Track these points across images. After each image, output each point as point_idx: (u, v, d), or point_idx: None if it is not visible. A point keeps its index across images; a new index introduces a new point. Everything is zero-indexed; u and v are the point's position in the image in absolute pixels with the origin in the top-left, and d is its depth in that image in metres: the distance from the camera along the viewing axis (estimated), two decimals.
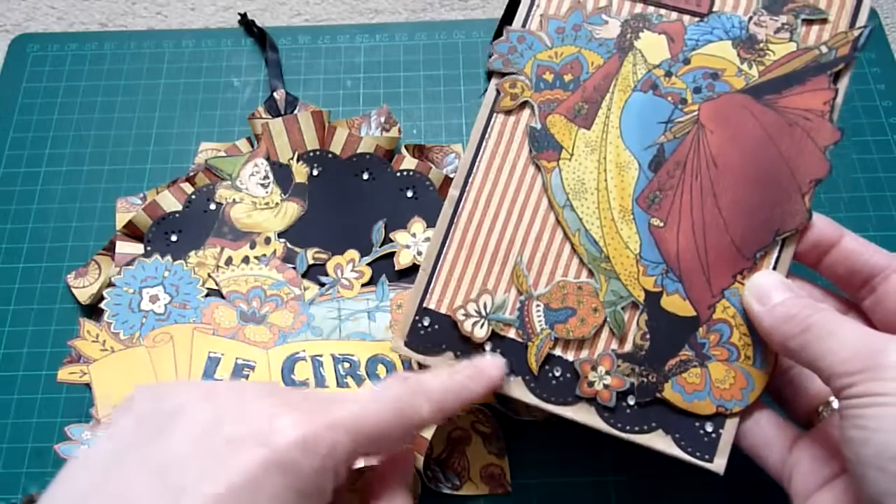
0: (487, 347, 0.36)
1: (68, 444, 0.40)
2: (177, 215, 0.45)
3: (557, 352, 0.35)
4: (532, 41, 0.38)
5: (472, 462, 0.41)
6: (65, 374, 0.42)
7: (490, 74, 0.39)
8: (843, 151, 0.50)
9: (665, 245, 0.35)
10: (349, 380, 0.40)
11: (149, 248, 0.44)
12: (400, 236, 0.45)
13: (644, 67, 0.37)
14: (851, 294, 0.34)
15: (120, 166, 0.51)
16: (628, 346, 0.35)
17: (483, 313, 0.36)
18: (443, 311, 0.37)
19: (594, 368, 0.35)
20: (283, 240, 0.45)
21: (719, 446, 0.34)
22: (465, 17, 0.59)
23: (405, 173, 0.46)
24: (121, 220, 0.47)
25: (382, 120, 0.50)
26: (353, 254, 0.45)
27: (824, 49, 0.35)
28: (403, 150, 0.48)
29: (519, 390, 0.36)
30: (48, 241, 0.49)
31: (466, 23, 0.57)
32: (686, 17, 0.37)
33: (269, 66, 0.54)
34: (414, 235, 0.45)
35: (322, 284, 0.44)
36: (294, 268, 0.44)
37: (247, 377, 0.40)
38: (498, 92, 0.38)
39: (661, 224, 0.35)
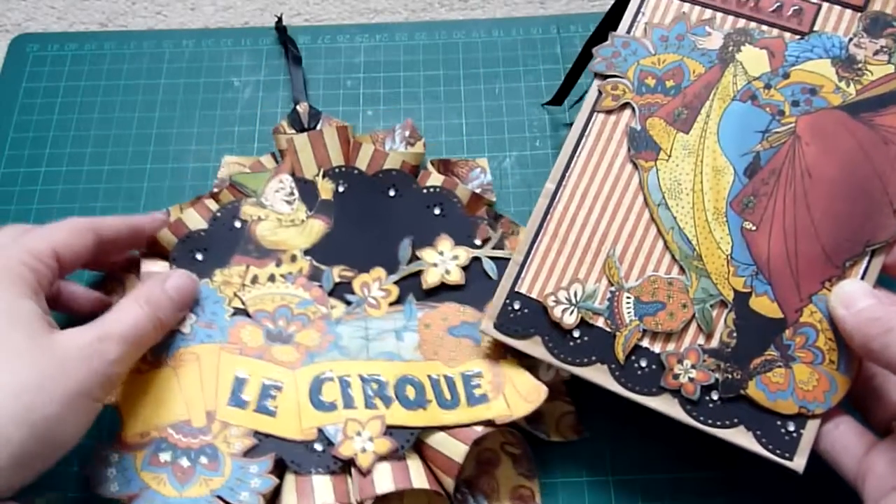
0: (576, 334, 0.37)
1: (94, 465, 0.38)
2: (202, 233, 0.44)
3: (644, 343, 0.37)
4: (636, 47, 0.39)
5: (502, 484, 0.40)
6: None
7: (570, 77, 0.40)
8: None
9: (756, 248, 0.36)
10: (377, 401, 0.40)
11: (174, 267, 0.43)
12: (427, 254, 0.43)
13: (744, 79, 0.38)
14: None
15: (120, 166, 0.51)
16: (715, 343, 0.36)
17: (573, 301, 0.37)
18: (534, 296, 0.38)
19: (680, 361, 0.36)
20: (308, 257, 0.44)
21: (800, 446, 0.35)
22: (465, 17, 0.58)
23: (432, 190, 0.45)
24: None
25: (407, 134, 0.49)
26: (379, 272, 0.43)
27: None
28: (429, 166, 0.47)
29: (604, 378, 0.37)
30: None
31: (466, 23, 0.57)
32: (787, 35, 0.39)
33: (292, 78, 0.53)
34: (441, 253, 0.43)
35: (349, 303, 0.43)
36: (320, 286, 0.43)
37: (274, 398, 0.40)
38: (600, 93, 0.39)
39: (754, 228, 0.36)
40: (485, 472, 0.41)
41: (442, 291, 0.43)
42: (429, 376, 0.40)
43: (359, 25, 0.57)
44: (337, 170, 0.46)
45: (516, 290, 0.38)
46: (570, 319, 0.37)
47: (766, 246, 0.36)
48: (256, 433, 0.39)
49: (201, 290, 0.42)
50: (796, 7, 0.39)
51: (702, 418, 0.36)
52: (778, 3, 0.39)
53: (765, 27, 0.39)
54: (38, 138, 0.52)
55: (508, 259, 0.40)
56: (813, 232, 0.36)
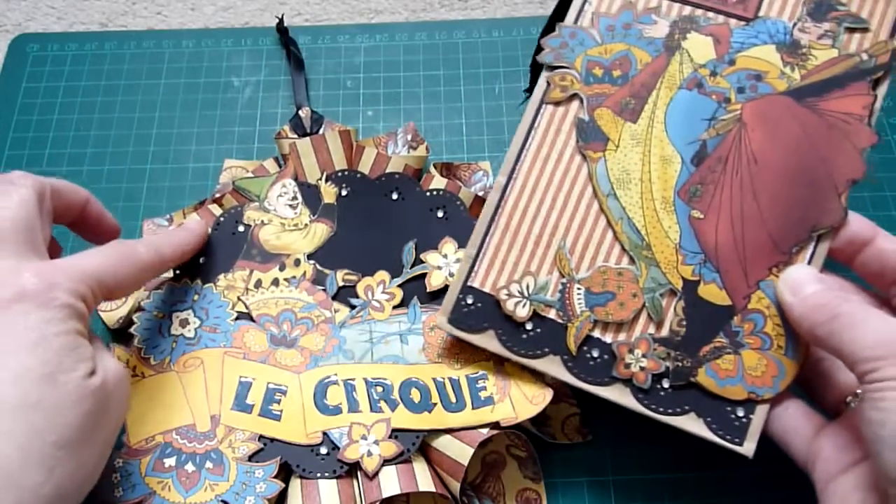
0: (529, 326, 0.37)
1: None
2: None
3: (596, 334, 0.37)
4: (583, 37, 0.39)
5: (508, 486, 0.40)
6: None
7: (535, 68, 0.41)
8: None
9: (704, 236, 0.37)
10: (382, 404, 0.40)
11: (178, 272, 0.43)
12: (431, 257, 0.44)
13: (690, 66, 0.38)
14: (883, 291, 0.36)
15: (120, 166, 0.51)
16: (665, 332, 0.36)
17: (525, 294, 0.38)
18: (486, 289, 0.38)
19: (631, 351, 0.36)
20: (312, 261, 0.44)
21: (749, 431, 0.35)
22: (465, 17, 0.58)
23: (435, 193, 0.45)
24: None
25: (409, 137, 0.49)
26: (383, 275, 0.44)
27: (865, 56, 0.37)
28: (432, 169, 0.47)
29: (556, 369, 0.37)
30: None
31: (466, 23, 0.57)
32: (732, 21, 0.39)
33: (294, 82, 0.53)
34: (445, 256, 0.43)
35: (353, 307, 0.43)
36: (324, 290, 0.43)
37: (279, 402, 0.40)
38: (548, 84, 0.39)
39: (701, 216, 0.37)
40: (490, 474, 0.41)
41: (446, 294, 0.42)
42: (434, 379, 0.40)
43: (359, 25, 0.57)
44: (340, 174, 0.46)
45: (469, 284, 0.38)
46: (522, 312, 0.37)
47: (714, 234, 0.36)
48: (261, 437, 0.39)
49: (205, 294, 0.43)
50: None
51: (653, 406, 0.36)
52: None
53: (710, 14, 0.39)
54: (38, 138, 0.52)
55: None
56: (760, 218, 0.36)
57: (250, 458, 0.38)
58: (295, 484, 0.38)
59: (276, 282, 0.43)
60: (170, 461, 0.38)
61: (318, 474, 0.38)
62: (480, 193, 0.46)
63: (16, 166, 0.50)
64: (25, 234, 0.32)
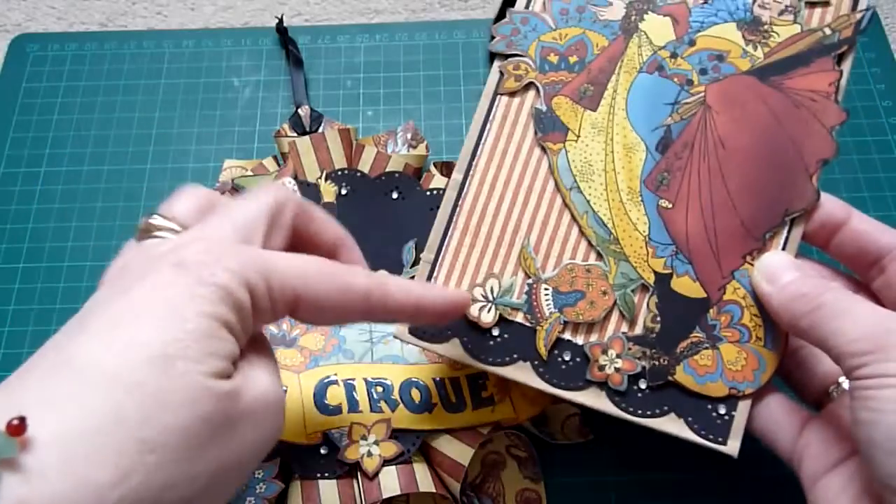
0: (495, 332, 0.35)
1: None
2: None
3: (567, 336, 0.35)
4: (536, 23, 0.37)
5: (507, 487, 0.40)
6: None
7: (492, 58, 0.38)
8: (844, 152, 0.49)
9: (674, 226, 0.35)
10: (382, 404, 0.39)
11: None
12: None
13: (649, 49, 0.36)
14: (861, 274, 0.34)
15: (120, 166, 0.51)
16: (639, 329, 0.34)
17: (490, 297, 0.35)
18: None
19: (605, 352, 0.34)
20: None
21: (732, 428, 0.33)
22: (465, 17, 0.58)
23: (435, 192, 0.45)
24: None
25: (409, 136, 0.49)
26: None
27: (828, 31, 0.35)
28: (432, 168, 0.47)
29: (527, 376, 0.35)
30: (48, 241, 0.48)
31: (466, 23, 0.57)
32: (690, 0, 0.37)
33: (294, 81, 0.53)
34: None
35: None
36: None
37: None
38: (501, 74, 0.37)
39: (670, 205, 0.35)
40: (490, 475, 0.41)
41: None
42: (434, 379, 0.40)
43: (359, 25, 0.57)
44: (340, 172, 0.46)
45: None
46: (488, 318, 0.35)
47: (684, 223, 0.35)
48: None
49: None
50: None
51: (631, 409, 0.34)
52: None
53: None
54: (38, 138, 0.52)
55: None
56: (730, 205, 0.34)
57: None
58: (295, 484, 0.38)
59: None
60: None
61: (318, 475, 0.38)
62: None
63: (16, 166, 0.51)
64: (239, 226, 0.27)
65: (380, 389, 0.40)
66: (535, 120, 0.36)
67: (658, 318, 0.34)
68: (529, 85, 0.37)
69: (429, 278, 0.36)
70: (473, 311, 0.35)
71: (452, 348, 0.35)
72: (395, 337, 0.36)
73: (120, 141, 0.52)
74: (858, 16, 0.35)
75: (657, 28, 0.36)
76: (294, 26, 0.56)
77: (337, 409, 0.39)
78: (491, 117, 0.37)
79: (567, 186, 0.36)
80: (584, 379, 0.34)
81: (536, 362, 0.35)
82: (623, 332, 0.34)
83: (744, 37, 0.36)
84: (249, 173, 0.47)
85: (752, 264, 0.34)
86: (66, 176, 0.51)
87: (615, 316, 0.35)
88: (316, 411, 0.39)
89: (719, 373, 0.33)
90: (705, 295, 0.34)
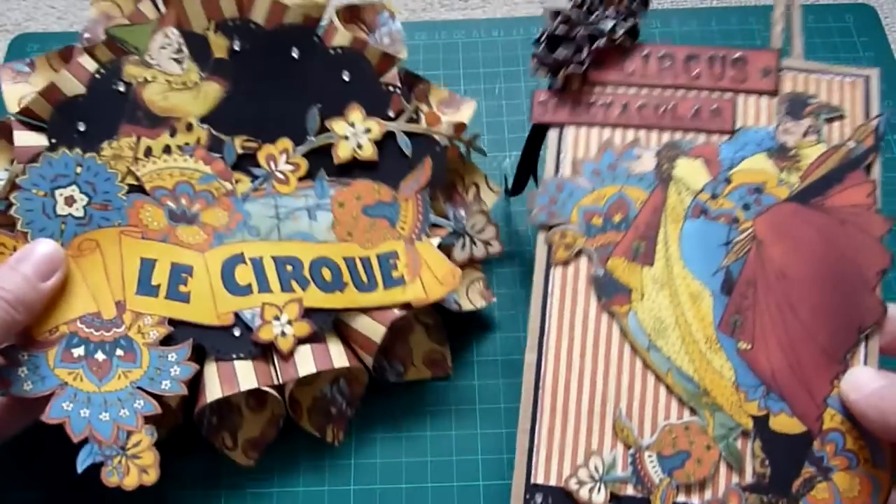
0: None
1: (5, 367, 0.36)
2: (81, 99, 0.39)
3: (682, 499, 0.34)
4: (572, 188, 0.37)
5: (415, 350, 0.42)
6: None
7: (521, 170, 0.38)
8: None
9: (758, 366, 0.35)
10: (293, 283, 0.39)
11: (54, 141, 0.38)
12: (337, 126, 0.40)
13: (689, 194, 0.37)
14: None
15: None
16: (749, 477, 0.34)
17: (596, 476, 0.35)
18: (553, 483, 0.35)
19: None
20: (206, 126, 0.39)
21: None
22: (465, 17, 0.59)
23: (339, 51, 0.41)
24: (10, 95, 0.39)
25: None
26: (285, 143, 0.40)
27: (852, 144, 0.36)
28: (335, 20, 0.42)
29: None
30: None
31: (466, 23, 0.57)
32: (714, 137, 0.37)
33: None
34: (352, 125, 0.40)
35: (255, 177, 0.40)
36: (222, 158, 0.39)
37: (185, 284, 0.38)
38: (549, 245, 0.37)
39: (749, 346, 0.35)
40: (399, 339, 0.42)
41: (354, 168, 0.41)
42: (344, 258, 0.40)
43: None
44: (230, 23, 0.40)
45: (533, 482, 0.35)
46: (599, 499, 0.34)
47: (767, 361, 0.35)
48: (171, 321, 0.37)
49: (89, 165, 0.38)
50: (713, 107, 0.38)
51: None
52: (695, 107, 0.38)
53: (690, 135, 0.38)
54: None
55: (424, 135, 0.40)
56: (806, 334, 0.35)
57: (161, 343, 0.37)
58: (211, 366, 0.38)
59: (167, 149, 0.39)
60: (78, 351, 0.36)
61: (234, 355, 0.38)
62: (387, 40, 0.42)
63: None
64: None
65: (290, 268, 0.39)
66: (596, 286, 0.36)
67: (766, 462, 0.34)
68: (580, 252, 0.37)
69: (528, 469, 0.35)
70: (584, 494, 0.35)
71: None
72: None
73: None
74: (874, 122, 0.37)
75: (691, 172, 0.37)
76: None
77: (247, 289, 0.38)
78: (550, 291, 0.37)
79: (644, 347, 0.36)
80: None
81: None
82: (736, 483, 0.34)
83: (776, 165, 0.37)
84: (126, 21, 0.40)
85: (840, 387, 0.34)
86: None
87: (723, 468, 0.35)
88: (225, 292, 0.38)
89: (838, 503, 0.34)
90: (806, 428, 0.34)
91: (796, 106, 0.37)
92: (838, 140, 0.37)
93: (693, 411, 0.35)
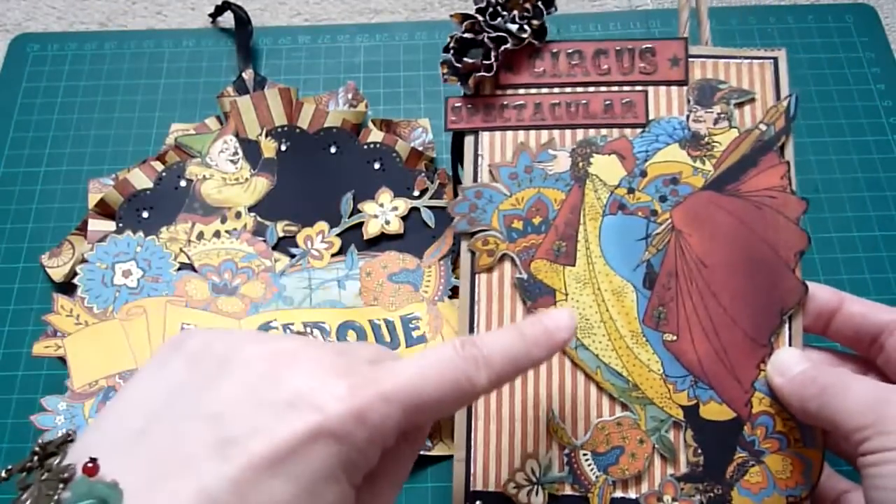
0: None
1: (44, 414, 0.40)
2: (148, 192, 0.46)
3: (619, 493, 0.35)
4: (490, 194, 0.37)
5: (444, 424, 0.42)
6: (40, 348, 0.42)
7: (457, 239, 0.38)
8: (844, 152, 0.50)
9: (685, 357, 0.35)
10: None
11: (120, 225, 0.45)
12: (368, 206, 0.45)
13: (606, 191, 0.37)
14: (864, 354, 0.35)
15: (120, 166, 0.50)
16: (684, 467, 0.35)
17: (533, 479, 0.35)
18: (491, 488, 0.35)
19: (660, 500, 0.34)
20: (253, 214, 0.45)
21: None
22: None
23: (372, 146, 0.46)
24: (93, 199, 0.46)
25: (350, 96, 0.50)
26: (322, 225, 0.45)
27: (763, 127, 0.37)
28: (370, 125, 0.48)
29: None
30: (48, 241, 0.48)
31: None
32: (628, 132, 0.38)
33: (238, 46, 0.53)
34: (381, 205, 0.45)
35: (292, 255, 0.44)
36: (264, 240, 0.44)
37: None
38: (472, 253, 0.37)
39: (675, 337, 0.35)
40: None
41: (382, 241, 0.45)
42: (370, 321, 0.42)
43: (359, 25, 0.57)
44: (279, 129, 0.47)
45: (473, 489, 0.35)
46: (537, 501, 0.35)
47: (693, 351, 0.35)
48: None
49: (147, 246, 0.44)
50: (625, 101, 0.38)
51: None
52: (607, 101, 0.38)
53: (604, 131, 0.38)
54: (38, 138, 0.52)
55: (446, 208, 0.41)
56: (730, 320, 0.35)
57: None
58: None
59: (217, 234, 0.45)
60: None
61: None
62: (420, 148, 0.47)
63: (16, 166, 0.51)
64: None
65: (317, 332, 0.41)
66: (521, 290, 0.36)
67: (699, 451, 0.35)
68: (503, 256, 0.37)
69: (467, 478, 0.35)
70: (522, 497, 0.35)
71: None
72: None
73: (120, 141, 0.52)
74: (785, 104, 0.37)
75: (606, 168, 0.37)
76: (294, 26, 0.57)
77: None
78: (476, 298, 0.37)
79: (572, 347, 0.36)
80: None
81: None
82: (671, 475, 0.35)
83: (689, 154, 0.37)
84: (192, 132, 0.48)
85: (765, 370, 0.35)
86: (66, 176, 0.51)
87: (658, 460, 0.35)
88: None
89: (772, 486, 0.34)
90: (735, 414, 0.35)
91: (706, 93, 0.37)
92: (750, 124, 0.37)
93: (624, 406, 0.35)
